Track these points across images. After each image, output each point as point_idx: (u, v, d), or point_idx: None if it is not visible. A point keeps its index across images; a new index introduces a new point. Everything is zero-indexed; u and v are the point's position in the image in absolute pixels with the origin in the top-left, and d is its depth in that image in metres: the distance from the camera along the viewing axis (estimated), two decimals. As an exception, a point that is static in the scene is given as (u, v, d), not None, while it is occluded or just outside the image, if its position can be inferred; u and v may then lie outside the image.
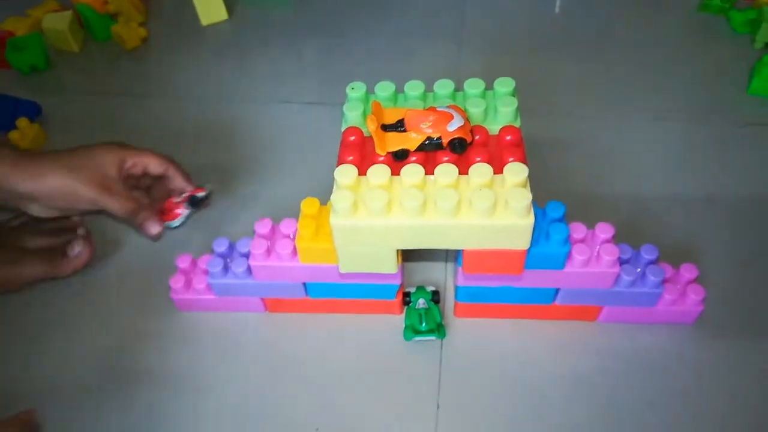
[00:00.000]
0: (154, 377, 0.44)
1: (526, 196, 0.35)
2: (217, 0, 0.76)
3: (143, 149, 0.50)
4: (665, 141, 0.59)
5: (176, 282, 0.46)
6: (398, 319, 0.46)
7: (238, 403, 0.43)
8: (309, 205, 0.41)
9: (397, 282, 0.44)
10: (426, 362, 0.44)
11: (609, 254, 0.40)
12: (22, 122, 0.61)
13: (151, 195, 0.53)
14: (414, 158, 0.38)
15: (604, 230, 0.41)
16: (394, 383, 0.43)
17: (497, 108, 0.40)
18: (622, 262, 0.41)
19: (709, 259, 0.48)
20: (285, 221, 0.43)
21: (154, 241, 0.51)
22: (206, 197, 0.53)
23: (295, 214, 0.42)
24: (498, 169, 0.37)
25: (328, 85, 0.68)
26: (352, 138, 0.40)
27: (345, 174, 0.37)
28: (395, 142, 0.38)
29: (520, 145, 0.39)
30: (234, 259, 0.44)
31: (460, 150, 0.38)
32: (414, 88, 0.42)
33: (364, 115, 0.41)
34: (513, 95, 0.41)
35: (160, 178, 0.52)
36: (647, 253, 0.42)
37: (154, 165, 0.50)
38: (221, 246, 0.45)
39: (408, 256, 0.48)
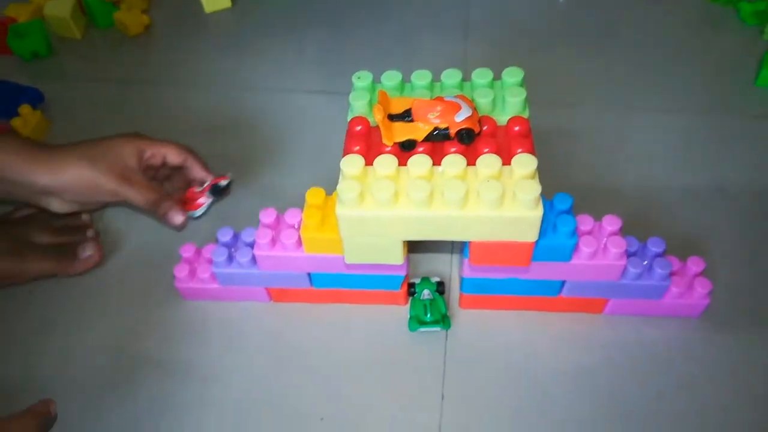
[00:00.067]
0: (160, 366, 0.44)
1: (535, 187, 0.34)
2: (221, -13, 0.76)
3: (162, 140, 0.49)
4: (673, 133, 0.59)
5: (180, 271, 0.46)
6: (403, 310, 0.46)
7: (243, 392, 0.43)
8: (314, 195, 0.41)
9: (403, 273, 0.44)
10: (431, 353, 0.44)
11: (616, 246, 0.40)
12: (25, 109, 0.60)
13: (170, 185, 0.53)
14: (421, 149, 0.38)
15: (611, 222, 0.40)
16: (399, 374, 0.43)
17: (505, 98, 0.40)
18: (629, 254, 0.41)
19: (716, 252, 0.48)
20: (290, 211, 0.43)
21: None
22: (228, 186, 0.52)
23: (300, 204, 0.42)
24: (506, 161, 0.36)
25: (333, 74, 0.67)
26: (359, 128, 0.39)
27: (351, 164, 0.37)
28: (402, 132, 0.38)
29: (528, 136, 0.38)
30: (239, 249, 0.44)
31: (468, 141, 0.37)
32: (421, 77, 0.42)
33: (371, 104, 0.41)
34: (522, 85, 0.41)
35: (179, 169, 0.51)
36: (654, 246, 0.42)
37: (173, 155, 0.49)
38: (226, 235, 0.45)
39: (413, 246, 0.48)
